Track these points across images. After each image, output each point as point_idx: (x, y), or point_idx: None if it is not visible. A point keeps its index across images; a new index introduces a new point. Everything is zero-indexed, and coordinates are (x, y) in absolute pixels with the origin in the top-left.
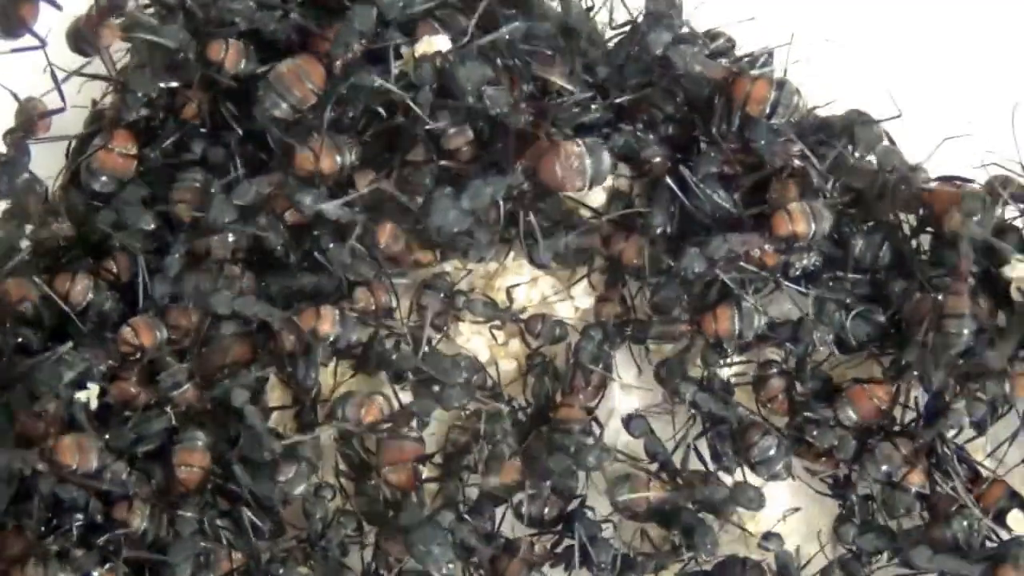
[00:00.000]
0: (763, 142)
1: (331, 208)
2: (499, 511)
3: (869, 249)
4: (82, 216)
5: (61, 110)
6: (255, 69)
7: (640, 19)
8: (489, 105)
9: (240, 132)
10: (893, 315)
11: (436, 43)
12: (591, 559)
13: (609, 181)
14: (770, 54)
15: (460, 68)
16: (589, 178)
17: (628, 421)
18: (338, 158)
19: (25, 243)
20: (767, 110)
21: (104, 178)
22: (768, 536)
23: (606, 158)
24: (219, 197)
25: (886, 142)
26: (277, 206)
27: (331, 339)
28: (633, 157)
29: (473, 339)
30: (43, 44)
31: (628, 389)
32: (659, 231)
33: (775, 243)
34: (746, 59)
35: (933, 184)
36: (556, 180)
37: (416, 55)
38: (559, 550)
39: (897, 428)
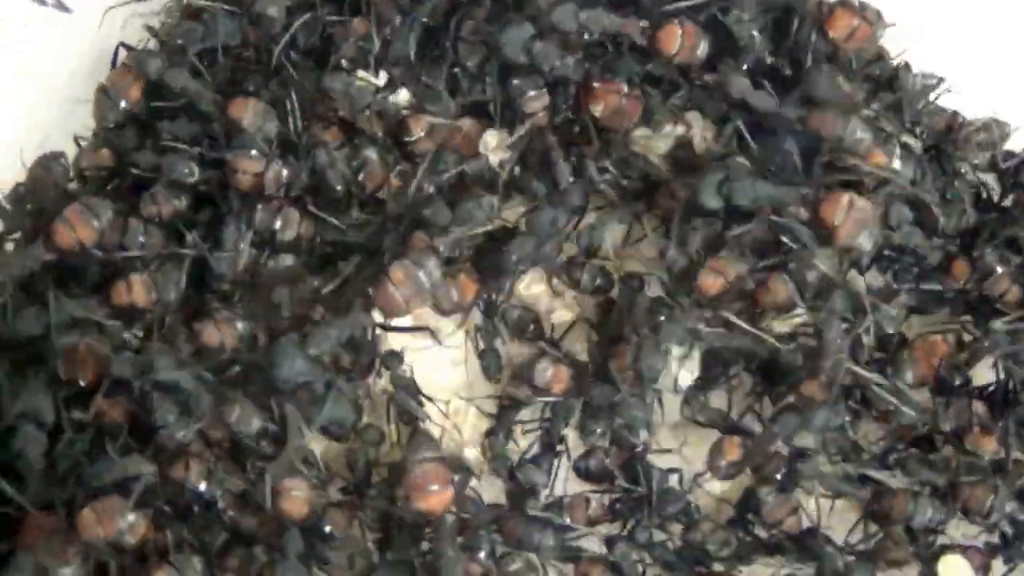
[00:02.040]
0: (822, 95)
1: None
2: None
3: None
4: (123, 149)
5: None
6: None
7: None
8: (540, 61)
9: (293, 74)
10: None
11: None
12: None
13: (680, 129)
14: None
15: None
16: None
17: (686, 398)
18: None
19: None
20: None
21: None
22: None
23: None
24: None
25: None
26: (368, 180)
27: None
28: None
29: (533, 287)
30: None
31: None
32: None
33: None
34: None
35: None
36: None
37: None
38: (618, 507)
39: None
